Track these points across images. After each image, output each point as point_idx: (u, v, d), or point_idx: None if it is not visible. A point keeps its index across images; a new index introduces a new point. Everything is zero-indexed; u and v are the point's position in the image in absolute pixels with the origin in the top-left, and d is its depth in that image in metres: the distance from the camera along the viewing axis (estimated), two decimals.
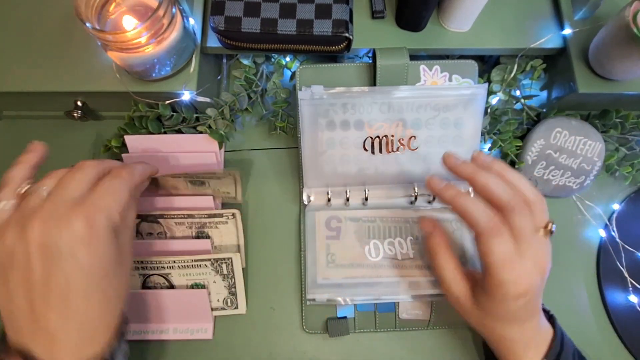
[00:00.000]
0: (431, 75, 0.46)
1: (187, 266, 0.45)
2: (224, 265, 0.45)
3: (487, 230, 0.33)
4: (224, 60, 0.55)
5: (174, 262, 0.45)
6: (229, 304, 0.46)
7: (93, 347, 0.31)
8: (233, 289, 0.45)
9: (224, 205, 0.49)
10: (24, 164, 0.35)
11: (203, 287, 0.45)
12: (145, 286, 0.46)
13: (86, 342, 0.31)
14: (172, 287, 0.46)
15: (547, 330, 0.38)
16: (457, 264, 0.39)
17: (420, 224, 0.41)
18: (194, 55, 0.46)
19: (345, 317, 0.45)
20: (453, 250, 0.40)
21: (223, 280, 0.45)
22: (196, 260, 0.45)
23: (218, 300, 0.46)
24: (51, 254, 0.29)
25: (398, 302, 0.45)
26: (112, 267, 0.31)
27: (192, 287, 0.46)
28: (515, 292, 0.33)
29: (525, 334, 0.37)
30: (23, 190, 0.33)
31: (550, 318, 0.40)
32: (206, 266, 0.45)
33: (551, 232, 0.35)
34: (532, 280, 0.34)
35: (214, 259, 0.45)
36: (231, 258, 0.45)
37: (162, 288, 0.46)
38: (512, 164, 0.51)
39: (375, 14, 0.48)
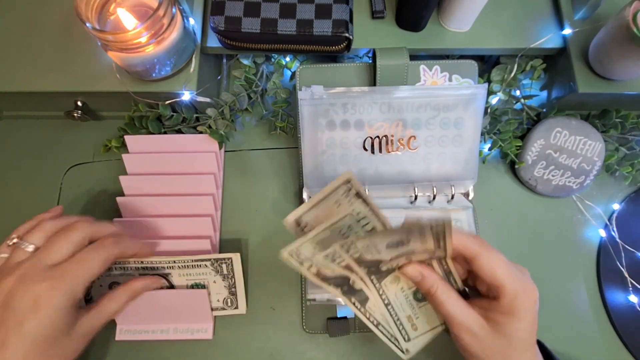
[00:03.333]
0: (431, 75, 0.46)
1: (187, 266, 0.45)
2: (224, 265, 0.45)
3: (483, 247, 0.33)
4: (224, 60, 0.55)
5: (174, 262, 0.45)
6: (229, 304, 0.46)
7: None
8: (233, 289, 0.45)
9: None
10: (37, 221, 0.38)
11: (203, 287, 0.45)
12: None
13: None
14: (172, 287, 0.46)
15: None
16: (460, 296, 0.35)
17: (405, 276, 0.36)
18: (194, 55, 0.46)
19: (345, 317, 0.45)
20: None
21: (223, 280, 0.45)
22: (196, 261, 0.45)
23: (218, 300, 0.46)
24: (7, 308, 0.31)
25: None
26: (55, 340, 0.32)
27: (192, 287, 0.45)
28: (533, 297, 0.33)
29: None
30: (11, 243, 0.36)
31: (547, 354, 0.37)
32: (206, 266, 0.45)
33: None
34: (536, 296, 0.33)
35: (214, 259, 0.45)
36: (231, 258, 0.45)
37: (161, 288, 0.46)
38: (512, 163, 0.51)
39: (375, 14, 0.48)
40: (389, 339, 0.37)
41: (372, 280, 0.35)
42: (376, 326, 0.37)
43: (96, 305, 0.37)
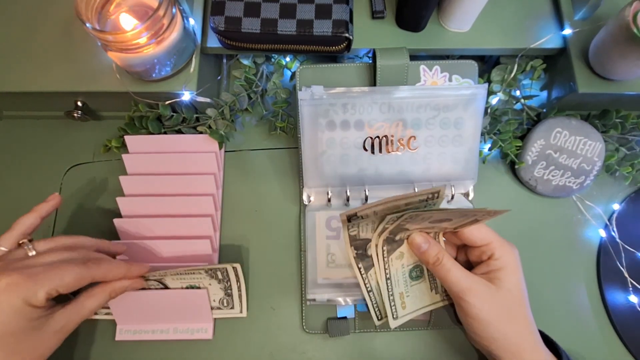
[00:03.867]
0: (431, 75, 0.46)
1: (180, 273, 0.43)
2: (218, 272, 0.44)
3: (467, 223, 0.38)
4: (224, 61, 0.55)
5: (166, 273, 0.43)
6: (225, 304, 0.46)
7: None
8: (229, 291, 0.45)
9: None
10: (36, 212, 0.41)
11: (199, 288, 0.45)
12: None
13: None
14: (166, 288, 0.45)
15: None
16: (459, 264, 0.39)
17: (412, 244, 0.40)
18: (194, 56, 0.46)
19: (345, 317, 0.45)
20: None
21: (219, 283, 0.45)
22: (189, 271, 0.43)
23: (214, 301, 0.45)
24: None
25: None
26: (22, 334, 0.33)
27: (187, 288, 0.45)
28: (517, 251, 0.39)
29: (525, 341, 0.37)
30: (21, 241, 0.38)
31: (555, 350, 0.39)
32: (200, 273, 0.44)
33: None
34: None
35: (208, 269, 0.43)
36: (226, 268, 0.43)
37: (156, 289, 0.45)
38: (512, 164, 0.51)
39: (375, 14, 0.48)
40: (372, 305, 0.42)
41: (383, 251, 0.39)
42: (368, 292, 0.42)
43: (74, 302, 0.37)
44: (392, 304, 0.41)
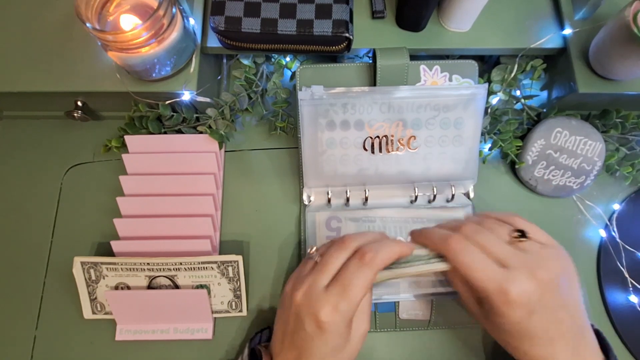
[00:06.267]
0: (431, 75, 0.46)
1: (194, 268, 0.45)
2: (230, 268, 0.45)
3: (456, 259, 0.33)
4: (224, 60, 0.55)
5: (181, 264, 0.45)
6: (234, 307, 0.46)
7: None
8: (238, 292, 0.45)
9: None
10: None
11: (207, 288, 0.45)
12: (150, 287, 0.46)
13: None
14: (177, 288, 0.46)
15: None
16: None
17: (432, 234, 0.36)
18: (194, 55, 0.46)
19: None
20: None
21: (229, 282, 0.45)
22: (203, 263, 0.45)
23: (222, 303, 0.46)
24: (298, 320, 0.34)
25: (398, 302, 0.45)
26: (340, 349, 0.35)
27: (197, 288, 0.46)
28: (504, 300, 0.32)
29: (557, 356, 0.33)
30: (311, 251, 0.38)
31: (605, 348, 0.35)
32: (212, 269, 0.45)
33: (520, 237, 0.34)
34: (524, 289, 0.31)
35: (220, 261, 0.45)
36: (237, 261, 0.45)
37: (167, 288, 0.46)
38: (512, 164, 0.51)
39: (375, 14, 0.48)
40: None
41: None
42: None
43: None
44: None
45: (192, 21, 0.46)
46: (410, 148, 0.46)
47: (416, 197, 0.46)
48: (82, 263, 0.45)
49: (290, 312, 0.35)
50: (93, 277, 0.45)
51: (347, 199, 0.47)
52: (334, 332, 0.33)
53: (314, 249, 0.38)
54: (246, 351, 0.40)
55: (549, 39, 0.48)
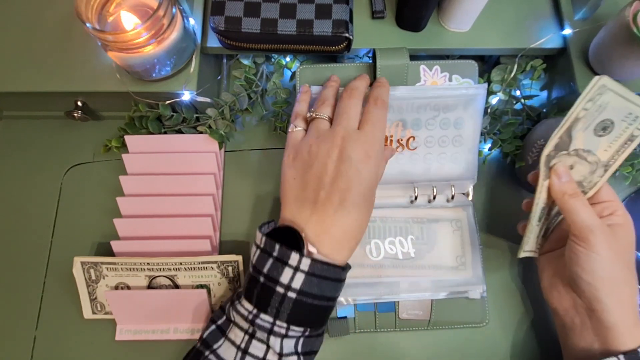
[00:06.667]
0: (431, 75, 0.46)
1: (194, 268, 0.45)
2: (230, 268, 0.45)
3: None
4: (224, 61, 0.55)
5: (180, 264, 0.44)
6: None
7: (342, 253, 0.38)
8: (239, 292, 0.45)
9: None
10: (303, 102, 0.44)
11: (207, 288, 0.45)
12: (150, 287, 0.46)
13: (343, 243, 0.38)
14: (177, 288, 0.46)
15: None
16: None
17: (555, 172, 0.40)
18: (194, 56, 0.46)
19: (345, 317, 0.45)
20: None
21: (229, 283, 0.45)
22: (203, 263, 0.45)
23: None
24: (344, 160, 0.38)
25: (398, 302, 0.45)
26: (374, 186, 0.40)
27: (197, 288, 0.46)
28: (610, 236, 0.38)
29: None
30: (309, 116, 0.42)
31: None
32: (212, 269, 0.45)
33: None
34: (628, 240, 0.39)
35: (220, 261, 0.45)
36: (237, 261, 0.45)
37: (166, 287, 0.46)
38: (512, 164, 0.51)
39: (375, 14, 0.48)
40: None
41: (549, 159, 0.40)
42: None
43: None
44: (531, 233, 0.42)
45: (192, 21, 0.46)
46: (409, 148, 0.46)
47: (416, 197, 0.46)
48: (82, 263, 0.45)
49: (328, 163, 0.38)
50: (93, 277, 0.45)
51: None
52: (378, 158, 0.39)
53: (313, 113, 0.42)
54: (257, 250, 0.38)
55: (549, 39, 0.48)
